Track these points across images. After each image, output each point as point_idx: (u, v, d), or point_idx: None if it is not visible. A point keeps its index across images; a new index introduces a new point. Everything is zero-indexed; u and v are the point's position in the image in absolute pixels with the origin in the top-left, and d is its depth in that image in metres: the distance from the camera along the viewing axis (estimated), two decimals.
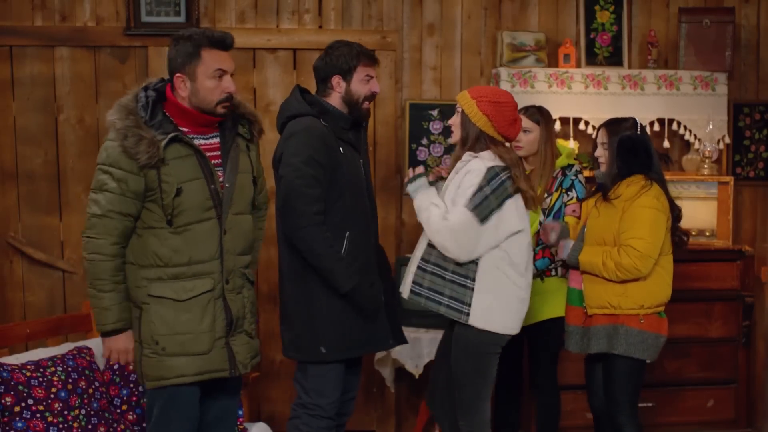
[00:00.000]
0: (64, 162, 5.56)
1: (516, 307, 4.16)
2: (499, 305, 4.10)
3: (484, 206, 3.98)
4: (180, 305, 3.62)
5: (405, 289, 4.22)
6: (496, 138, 4.09)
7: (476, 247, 4.02)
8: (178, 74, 3.63)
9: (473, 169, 4.03)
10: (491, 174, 4.00)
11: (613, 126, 4.46)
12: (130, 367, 3.69)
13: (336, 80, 4.21)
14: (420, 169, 4.26)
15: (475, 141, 4.10)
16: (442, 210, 4.06)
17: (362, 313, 4.18)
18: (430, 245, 4.13)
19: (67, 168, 5.55)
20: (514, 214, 4.07)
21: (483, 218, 3.98)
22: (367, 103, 4.27)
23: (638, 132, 4.41)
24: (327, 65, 4.23)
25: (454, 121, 4.19)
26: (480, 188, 3.98)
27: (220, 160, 3.72)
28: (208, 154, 3.67)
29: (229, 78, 3.67)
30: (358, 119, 4.28)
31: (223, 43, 3.67)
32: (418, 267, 4.17)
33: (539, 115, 4.83)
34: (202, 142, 3.70)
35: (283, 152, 4.10)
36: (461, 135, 4.14)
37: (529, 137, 4.81)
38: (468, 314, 4.06)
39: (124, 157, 3.53)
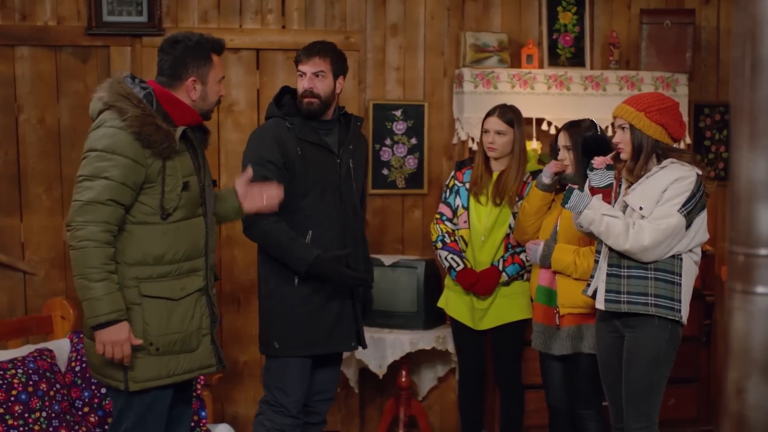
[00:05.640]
0: (25, 162, 5.49)
1: None
2: (689, 297, 4.07)
3: (693, 213, 3.97)
4: (174, 304, 3.59)
5: (600, 302, 4.09)
6: (669, 144, 4.05)
7: (669, 252, 3.98)
8: (193, 78, 3.64)
9: (684, 176, 3.97)
10: (699, 182, 4.00)
11: (573, 128, 4.49)
12: (126, 362, 3.49)
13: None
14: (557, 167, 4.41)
15: (651, 152, 4.02)
16: (621, 218, 3.95)
17: (323, 310, 4.22)
18: (612, 251, 4.03)
19: (28, 168, 5.47)
20: (705, 222, 4.09)
21: (688, 225, 3.97)
22: (305, 100, 4.23)
23: (598, 132, 4.46)
24: None
25: (622, 138, 4.06)
26: (693, 195, 3.96)
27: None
28: None
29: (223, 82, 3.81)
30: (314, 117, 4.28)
31: (224, 49, 3.80)
32: (608, 275, 4.04)
33: (513, 116, 4.84)
34: None
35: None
36: (633, 150, 4.03)
37: (503, 139, 4.81)
38: (679, 310, 4.00)
39: (136, 145, 3.45)
